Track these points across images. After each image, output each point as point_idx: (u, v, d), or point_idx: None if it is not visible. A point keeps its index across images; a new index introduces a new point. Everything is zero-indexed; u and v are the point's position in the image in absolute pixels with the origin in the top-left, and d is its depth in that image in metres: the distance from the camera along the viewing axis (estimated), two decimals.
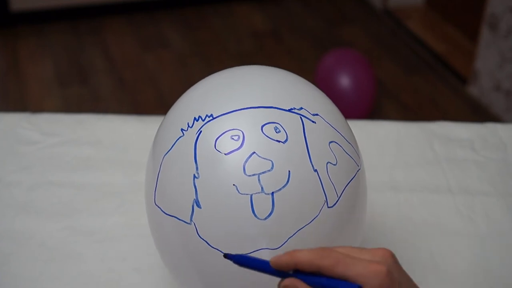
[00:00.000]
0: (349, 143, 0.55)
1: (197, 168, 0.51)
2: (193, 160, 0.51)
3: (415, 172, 0.85)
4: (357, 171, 0.56)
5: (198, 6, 2.69)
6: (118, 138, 0.91)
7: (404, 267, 0.73)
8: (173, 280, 0.62)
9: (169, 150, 0.53)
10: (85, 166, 0.86)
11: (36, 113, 0.95)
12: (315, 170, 0.51)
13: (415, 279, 0.72)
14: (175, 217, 0.52)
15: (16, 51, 2.36)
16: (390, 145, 0.90)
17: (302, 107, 0.54)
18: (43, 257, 0.73)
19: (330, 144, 0.53)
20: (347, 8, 2.75)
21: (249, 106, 0.52)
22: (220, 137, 0.51)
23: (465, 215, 0.79)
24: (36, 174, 0.84)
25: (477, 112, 2.12)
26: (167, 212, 0.53)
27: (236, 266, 0.49)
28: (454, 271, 0.72)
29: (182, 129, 0.53)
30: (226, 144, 0.51)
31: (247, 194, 0.50)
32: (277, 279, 0.46)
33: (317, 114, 0.54)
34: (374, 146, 0.90)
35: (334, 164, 0.52)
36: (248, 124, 0.51)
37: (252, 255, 0.50)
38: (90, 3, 2.56)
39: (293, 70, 0.62)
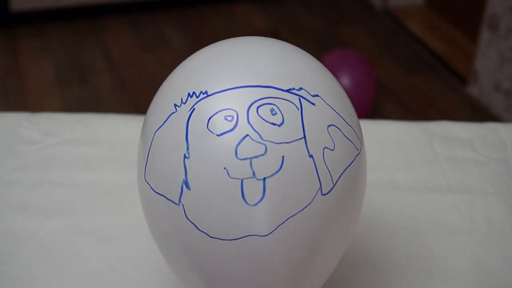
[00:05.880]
0: (350, 125, 0.53)
1: (188, 148, 0.49)
2: (185, 139, 0.49)
3: (415, 172, 0.85)
4: (356, 155, 0.53)
5: (198, 6, 2.69)
6: (118, 138, 0.91)
7: (405, 266, 0.73)
8: (166, 265, 0.61)
9: (161, 126, 0.51)
10: (85, 166, 0.86)
11: (36, 113, 0.95)
12: (311, 156, 0.49)
13: (416, 278, 0.72)
14: (164, 196, 0.51)
15: (16, 51, 2.36)
16: (390, 145, 0.90)
17: (302, 87, 0.51)
18: (43, 256, 0.73)
19: (329, 128, 0.51)
20: (347, 8, 2.75)
21: (246, 85, 0.50)
22: (214, 117, 0.49)
23: (465, 214, 0.79)
24: (36, 173, 0.84)
25: (477, 112, 2.12)
26: (156, 190, 0.52)
27: (223, 251, 0.48)
28: (455, 270, 0.72)
29: (175, 105, 0.51)
30: (219, 124, 0.48)
31: (237, 179, 0.48)
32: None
33: (317, 95, 0.51)
34: (374, 145, 0.90)
35: (331, 150, 0.50)
36: (243, 104, 0.49)
37: (240, 241, 0.49)
38: (90, 3, 2.57)
39: None
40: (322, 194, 0.50)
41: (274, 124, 0.49)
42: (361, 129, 0.56)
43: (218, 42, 0.57)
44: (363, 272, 0.72)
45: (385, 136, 0.92)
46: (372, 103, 2.00)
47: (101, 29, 2.51)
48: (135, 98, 2.13)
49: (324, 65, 2.33)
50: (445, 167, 0.86)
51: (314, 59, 0.57)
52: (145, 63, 2.31)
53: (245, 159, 0.48)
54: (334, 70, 1.94)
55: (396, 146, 0.90)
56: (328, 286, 0.68)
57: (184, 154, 0.49)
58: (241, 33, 2.50)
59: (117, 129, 0.93)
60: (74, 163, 0.86)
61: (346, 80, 1.91)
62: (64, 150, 0.88)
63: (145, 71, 2.27)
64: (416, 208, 0.80)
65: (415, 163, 0.87)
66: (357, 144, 0.53)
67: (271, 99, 0.49)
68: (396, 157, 0.88)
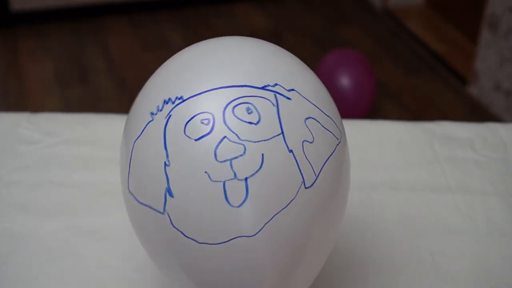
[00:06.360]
0: (328, 116, 0.53)
1: (167, 155, 0.49)
2: (163, 147, 0.49)
3: (415, 172, 0.85)
4: (337, 145, 0.53)
5: (198, 6, 2.69)
6: (118, 138, 0.91)
7: (404, 267, 0.73)
8: (158, 270, 0.62)
9: (139, 136, 0.52)
10: (85, 166, 0.86)
11: (36, 113, 0.95)
12: (290, 151, 0.49)
13: (416, 278, 0.72)
14: (148, 206, 0.51)
15: (16, 51, 2.36)
16: (390, 145, 0.90)
17: (277, 83, 0.51)
18: (43, 256, 0.73)
19: (307, 121, 0.51)
20: (347, 8, 2.75)
21: (221, 86, 0.50)
22: (190, 122, 0.49)
23: (465, 214, 0.79)
24: (36, 173, 0.84)
25: (477, 112, 2.12)
26: (140, 201, 0.52)
27: (212, 256, 0.47)
28: (455, 270, 0.72)
29: (151, 113, 0.51)
30: (196, 128, 0.49)
31: (219, 181, 0.48)
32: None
33: (293, 90, 0.51)
34: (374, 145, 0.90)
35: (310, 142, 0.50)
36: (219, 106, 0.49)
37: (229, 243, 0.49)
38: (90, 3, 2.57)
39: None
40: (306, 188, 0.49)
41: (250, 123, 0.49)
42: (340, 119, 0.56)
43: (192, 46, 0.57)
44: (362, 272, 0.72)
45: (385, 136, 0.92)
46: (372, 103, 2.01)
47: (101, 29, 2.51)
48: (134, 98, 2.13)
49: (324, 65, 2.30)
50: (445, 167, 0.86)
51: (290, 54, 0.57)
52: (145, 63, 2.31)
53: (225, 161, 0.48)
54: (334, 70, 1.94)
55: (396, 146, 0.90)
56: (327, 286, 0.68)
57: (165, 162, 0.49)
58: (241, 33, 2.50)
59: (117, 129, 0.92)
60: (74, 163, 0.86)
61: (346, 80, 1.91)
62: (64, 150, 0.88)
63: (145, 71, 2.27)
64: (416, 208, 0.80)
65: (415, 163, 0.87)
66: (336, 134, 0.53)
67: (246, 98, 0.49)
68: (396, 157, 0.88)
